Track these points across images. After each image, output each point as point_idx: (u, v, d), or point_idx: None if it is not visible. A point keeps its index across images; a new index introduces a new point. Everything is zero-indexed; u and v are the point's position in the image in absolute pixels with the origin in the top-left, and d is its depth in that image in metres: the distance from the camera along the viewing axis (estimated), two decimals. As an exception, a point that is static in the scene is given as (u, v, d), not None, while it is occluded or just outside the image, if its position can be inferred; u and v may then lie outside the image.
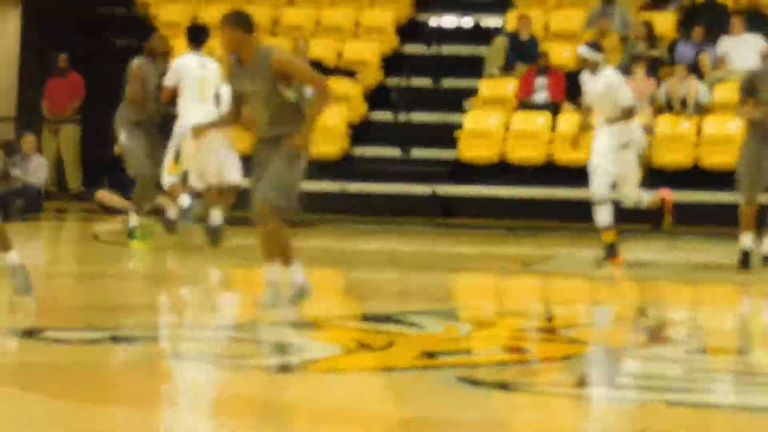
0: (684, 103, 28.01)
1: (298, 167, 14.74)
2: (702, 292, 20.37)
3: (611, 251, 18.80)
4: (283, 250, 15.28)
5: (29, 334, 13.86)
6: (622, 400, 11.29)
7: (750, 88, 15.53)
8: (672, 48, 30.31)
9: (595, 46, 17.82)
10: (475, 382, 11.86)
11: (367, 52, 31.59)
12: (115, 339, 14.35)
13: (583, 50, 17.65)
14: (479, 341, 14.40)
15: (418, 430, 10.35)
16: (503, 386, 11.74)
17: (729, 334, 17.13)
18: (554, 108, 31.14)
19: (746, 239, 15.66)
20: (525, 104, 31.27)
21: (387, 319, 16.14)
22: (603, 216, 18.23)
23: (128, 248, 24.91)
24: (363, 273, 21.96)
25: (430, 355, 13.40)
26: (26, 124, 32.80)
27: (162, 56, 23.42)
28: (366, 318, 17.20)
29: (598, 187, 17.76)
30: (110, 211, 31.01)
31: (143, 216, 22.78)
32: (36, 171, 31.50)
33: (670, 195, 18.92)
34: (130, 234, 23.58)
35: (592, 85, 17.31)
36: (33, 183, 31.50)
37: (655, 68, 28.35)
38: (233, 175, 19.78)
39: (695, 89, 28.34)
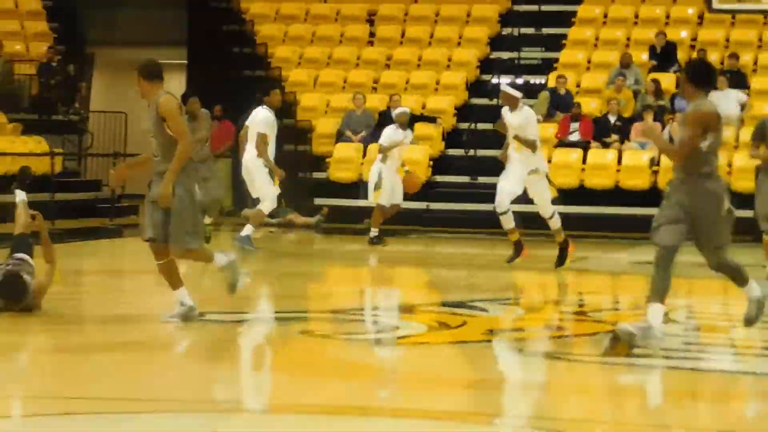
0: None
1: (188, 203, 13.97)
2: (693, 284, 20.78)
3: (518, 247, 19.07)
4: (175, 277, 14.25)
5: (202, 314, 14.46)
6: (634, 365, 12.15)
7: (761, 133, 15.34)
8: (672, 100, 30.32)
9: (515, 86, 18.34)
10: (526, 353, 12.99)
11: (445, 103, 31.70)
12: (259, 320, 15.82)
13: (507, 89, 18.36)
14: (529, 322, 15.26)
15: (484, 389, 11.26)
16: (548, 355, 13.07)
17: (715, 316, 17.90)
18: (585, 145, 30.71)
19: None
20: (562, 143, 31.08)
21: (460, 305, 17.21)
22: (506, 223, 18.69)
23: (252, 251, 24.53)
24: (442, 271, 22.64)
25: (493, 332, 14.58)
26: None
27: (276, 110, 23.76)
28: (444, 304, 17.84)
29: (499, 202, 18.19)
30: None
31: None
32: None
33: (573, 247, 19.28)
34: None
35: (510, 118, 17.81)
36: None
37: (661, 115, 28.38)
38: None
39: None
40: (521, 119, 17.39)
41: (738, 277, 12.74)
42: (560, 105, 31.63)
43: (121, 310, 15.79)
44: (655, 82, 30.21)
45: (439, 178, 30.63)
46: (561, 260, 18.90)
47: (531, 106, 30.32)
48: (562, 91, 31.58)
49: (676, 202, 12.03)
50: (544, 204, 17.96)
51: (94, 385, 11.18)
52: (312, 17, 33.21)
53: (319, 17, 33.08)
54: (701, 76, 11.55)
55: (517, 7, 33.36)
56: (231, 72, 32.47)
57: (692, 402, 11.19)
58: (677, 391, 11.46)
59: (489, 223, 27.24)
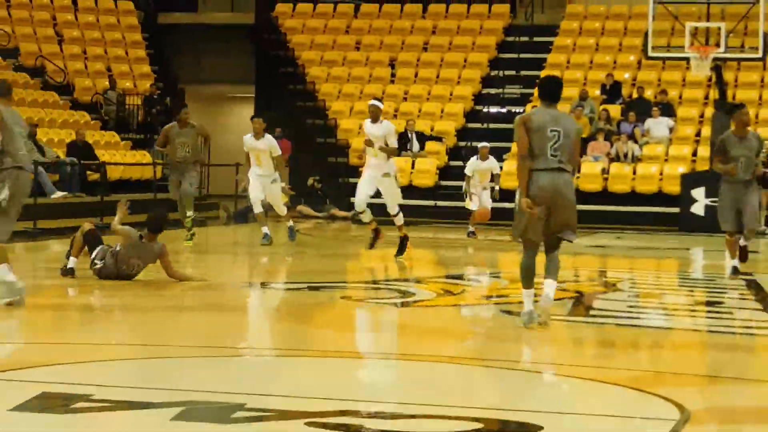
0: (626, 156, 28.54)
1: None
2: (634, 262, 20.98)
3: (376, 234, 18.57)
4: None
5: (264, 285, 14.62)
6: (590, 323, 12.87)
7: (721, 149, 14.21)
8: (618, 125, 30.41)
9: (380, 100, 17.38)
10: (509, 312, 13.00)
11: (448, 127, 31.92)
12: (309, 288, 15.55)
13: (376, 102, 17.15)
14: (511, 290, 14.65)
15: (479, 339, 12.06)
16: (509, 312, 13.28)
17: (654, 285, 18.13)
18: None
19: (734, 261, 14.73)
20: None
21: (460, 277, 17.78)
22: (365, 218, 17.92)
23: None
24: (446, 252, 23.14)
25: (486, 297, 15.44)
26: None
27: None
28: (448, 276, 17.94)
29: (357, 203, 17.47)
30: (306, 217, 31.37)
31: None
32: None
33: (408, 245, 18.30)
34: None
35: (371, 129, 16.90)
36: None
37: (610, 136, 28.34)
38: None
39: (632, 149, 28.79)
40: (384, 131, 16.60)
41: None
42: None
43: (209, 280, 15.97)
44: (605, 111, 30.60)
45: (443, 183, 30.61)
46: (401, 251, 18.16)
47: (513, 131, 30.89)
48: (536, 118, 30.41)
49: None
50: (392, 202, 17.27)
51: (189, 336, 11.60)
52: (348, 62, 33.18)
53: (353, 62, 33.10)
54: (544, 91, 11.11)
55: (502, 55, 33.37)
56: (287, 103, 32.52)
57: (633, 349, 11.67)
58: (621, 342, 12.01)
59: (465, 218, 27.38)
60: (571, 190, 10.66)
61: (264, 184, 20.14)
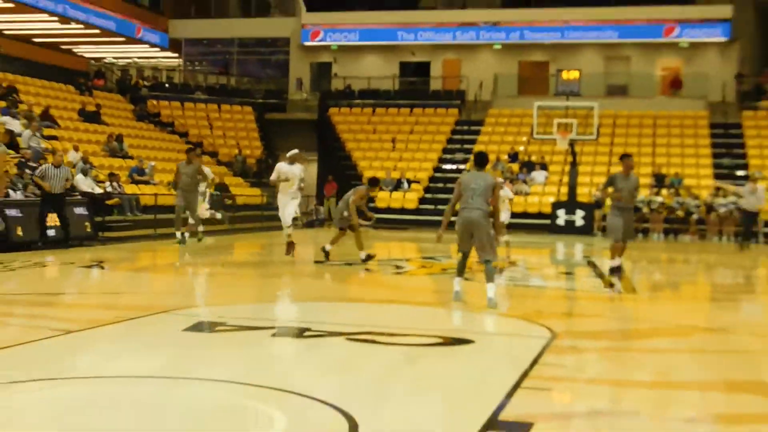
0: (521, 192, 28.35)
1: None
2: (527, 251, 19.67)
3: (291, 246, 14.98)
4: None
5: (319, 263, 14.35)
6: (504, 284, 12.04)
7: (611, 182, 13.05)
8: (517, 175, 28.80)
9: (292, 151, 14.93)
10: (468, 279, 12.70)
11: (424, 175, 30.50)
12: (346, 264, 14.87)
13: (295, 151, 15.02)
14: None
15: (441, 294, 11.54)
16: (467, 279, 12.81)
17: (536, 263, 17.78)
18: None
19: (617, 261, 13.09)
20: None
21: (431, 258, 16.87)
22: (288, 230, 14.90)
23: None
24: (423, 244, 21.13)
25: (444, 269, 14.30)
26: (321, 200, 30.97)
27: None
28: (423, 257, 17.63)
29: (284, 221, 14.72)
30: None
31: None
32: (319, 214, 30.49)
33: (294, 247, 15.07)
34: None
35: (289, 169, 14.55)
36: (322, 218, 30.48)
37: (513, 181, 27.98)
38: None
39: (524, 188, 28.31)
40: (300, 171, 14.64)
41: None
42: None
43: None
44: (510, 168, 29.61)
45: (421, 206, 29.02)
46: (289, 250, 15.05)
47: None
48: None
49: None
50: (288, 217, 14.60)
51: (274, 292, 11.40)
52: (368, 139, 32.34)
53: (371, 139, 32.50)
54: (476, 161, 10.03)
55: (454, 136, 32.55)
56: (334, 161, 32.19)
57: (524, 298, 11.49)
58: (519, 294, 11.75)
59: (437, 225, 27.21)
60: (483, 220, 9.74)
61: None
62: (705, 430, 4.96)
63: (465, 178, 9.89)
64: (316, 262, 14.83)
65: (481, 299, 10.07)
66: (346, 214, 14.56)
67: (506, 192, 16.90)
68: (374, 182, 15.63)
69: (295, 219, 15.05)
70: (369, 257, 14.56)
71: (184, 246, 17.02)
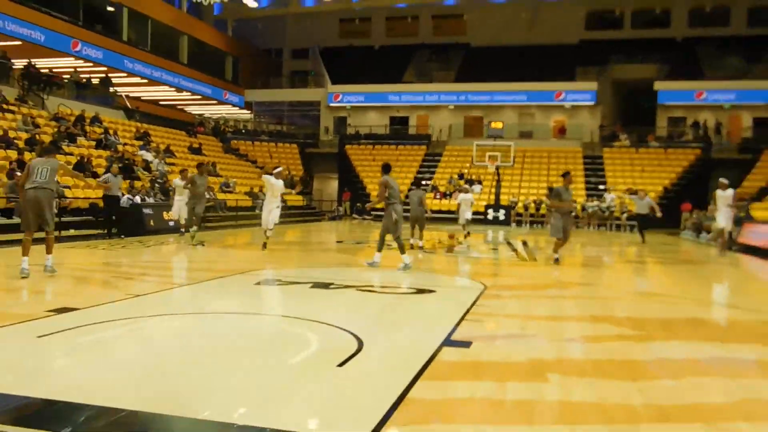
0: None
1: None
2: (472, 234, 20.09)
3: (264, 245, 11.89)
4: None
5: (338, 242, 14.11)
6: (453, 256, 11.69)
7: (557, 194, 10.81)
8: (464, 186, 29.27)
9: (277, 168, 12.34)
10: (428, 252, 12.13)
11: (404, 187, 30.46)
12: (357, 242, 14.81)
13: (280, 169, 12.31)
14: (423, 247, 13.80)
15: (417, 263, 10.89)
16: (429, 252, 12.32)
17: (477, 243, 17.61)
18: (443, 196, 29.25)
19: (557, 255, 11.17)
20: (446, 194, 28.03)
21: (407, 239, 16.47)
22: (269, 233, 12.05)
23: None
24: (406, 231, 21.30)
25: (412, 246, 13.43)
26: (341, 203, 30.23)
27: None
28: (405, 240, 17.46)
29: (265, 224, 11.79)
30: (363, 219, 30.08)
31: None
32: (339, 212, 30.53)
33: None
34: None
35: (275, 182, 11.68)
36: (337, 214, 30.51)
37: (461, 191, 27.83)
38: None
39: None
40: (280, 185, 11.70)
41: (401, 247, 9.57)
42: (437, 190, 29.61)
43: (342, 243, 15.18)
44: (459, 184, 29.44)
45: (405, 207, 29.14)
46: (263, 246, 11.97)
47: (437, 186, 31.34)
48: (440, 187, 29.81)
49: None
50: (271, 222, 11.74)
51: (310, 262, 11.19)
52: (371, 167, 32.10)
53: (374, 167, 32.05)
54: (383, 168, 9.34)
55: (424, 164, 32.63)
56: (350, 181, 31.91)
57: (469, 265, 11.15)
58: (464, 262, 11.55)
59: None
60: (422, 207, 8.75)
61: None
62: (578, 346, 4.91)
63: (394, 182, 9.45)
64: (338, 242, 14.62)
65: (440, 266, 9.98)
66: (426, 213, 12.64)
67: (469, 197, 16.39)
68: (418, 183, 13.71)
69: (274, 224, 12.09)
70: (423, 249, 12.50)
71: (183, 237, 14.44)
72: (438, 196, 28.52)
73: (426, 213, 13.19)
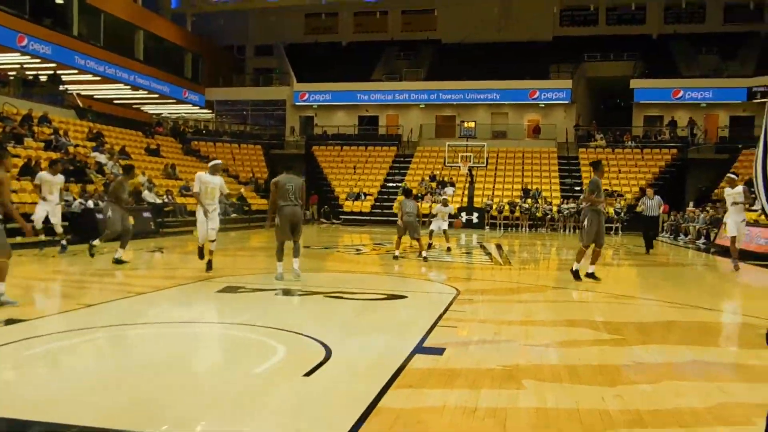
0: (437, 201, 28.24)
1: None
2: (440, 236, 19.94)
3: (200, 252, 9.76)
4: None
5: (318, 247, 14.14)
6: (430, 262, 11.73)
7: (596, 187, 8.81)
8: (429, 190, 29.03)
9: (214, 161, 9.62)
10: (396, 258, 12.19)
11: (374, 190, 29.89)
12: (325, 248, 14.89)
13: (219, 162, 9.52)
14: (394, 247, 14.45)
15: (386, 265, 10.95)
16: (401, 256, 12.35)
17: (450, 247, 17.75)
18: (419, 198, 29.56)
19: (577, 265, 9.38)
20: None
21: (380, 244, 16.14)
22: (212, 246, 9.63)
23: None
24: (376, 235, 20.58)
25: (388, 251, 13.64)
26: (308, 206, 30.89)
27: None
28: (375, 243, 16.72)
29: (202, 235, 9.49)
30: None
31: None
32: (306, 216, 30.37)
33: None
34: None
35: (210, 179, 9.09)
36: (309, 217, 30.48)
37: (433, 193, 27.93)
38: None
39: (441, 198, 28.47)
40: (220, 181, 9.26)
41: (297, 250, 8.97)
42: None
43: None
44: (431, 186, 29.59)
45: (374, 210, 28.65)
46: (202, 257, 9.79)
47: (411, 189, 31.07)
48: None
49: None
50: (212, 230, 9.41)
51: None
52: (339, 167, 32.19)
53: (342, 168, 32.37)
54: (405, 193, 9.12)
55: (393, 165, 32.70)
56: (316, 183, 31.50)
57: (442, 270, 11.10)
58: (437, 266, 11.45)
59: (386, 223, 26.91)
60: (301, 213, 8.67)
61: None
62: (555, 351, 4.95)
63: (281, 179, 8.68)
64: (305, 247, 14.54)
65: (412, 271, 9.98)
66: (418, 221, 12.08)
67: (449, 209, 15.49)
68: (408, 193, 12.93)
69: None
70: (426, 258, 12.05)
71: None
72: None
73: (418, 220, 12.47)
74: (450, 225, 15.00)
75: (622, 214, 25.55)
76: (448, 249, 14.64)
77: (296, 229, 8.79)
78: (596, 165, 9.23)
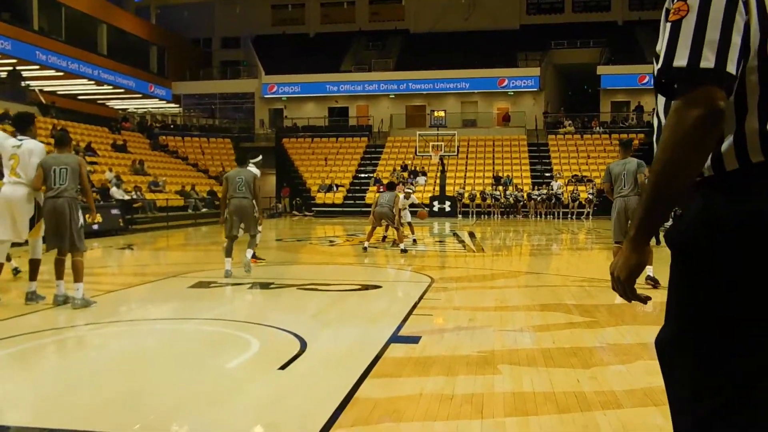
0: (411, 191, 28.40)
1: None
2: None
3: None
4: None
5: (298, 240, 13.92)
6: (409, 252, 11.77)
7: (608, 178, 7.63)
8: (409, 179, 29.04)
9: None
10: (366, 248, 11.99)
11: (346, 182, 29.82)
12: (297, 240, 14.92)
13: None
14: (369, 238, 14.46)
15: (361, 256, 10.94)
16: (381, 245, 12.39)
17: (424, 236, 17.79)
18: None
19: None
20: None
21: (352, 235, 15.83)
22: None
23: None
24: (349, 226, 20.39)
25: (360, 242, 13.66)
26: (280, 199, 30.52)
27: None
28: (348, 234, 16.39)
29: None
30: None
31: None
32: (278, 209, 30.05)
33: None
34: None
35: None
36: (279, 210, 29.91)
37: (404, 183, 27.94)
38: None
39: (412, 188, 28.29)
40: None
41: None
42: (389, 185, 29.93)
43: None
44: (402, 175, 29.68)
45: (346, 201, 28.77)
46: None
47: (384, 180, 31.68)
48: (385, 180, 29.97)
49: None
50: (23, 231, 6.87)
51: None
52: (310, 160, 32.32)
53: (313, 161, 32.42)
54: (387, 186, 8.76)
55: (365, 156, 32.78)
56: (288, 175, 31.80)
57: (420, 259, 11.22)
58: (417, 255, 11.54)
59: (358, 214, 26.99)
60: (250, 206, 8.37)
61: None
62: (529, 336, 4.98)
63: (231, 174, 8.64)
64: (277, 240, 14.48)
65: (386, 260, 9.98)
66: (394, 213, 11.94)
67: (411, 200, 15.67)
68: (392, 186, 12.97)
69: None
70: (405, 250, 11.90)
71: None
72: (382, 190, 28.45)
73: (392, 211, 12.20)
74: (413, 214, 14.95)
75: (594, 199, 25.94)
76: (414, 241, 14.64)
77: (246, 222, 8.59)
78: (627, 144, 7.94)
